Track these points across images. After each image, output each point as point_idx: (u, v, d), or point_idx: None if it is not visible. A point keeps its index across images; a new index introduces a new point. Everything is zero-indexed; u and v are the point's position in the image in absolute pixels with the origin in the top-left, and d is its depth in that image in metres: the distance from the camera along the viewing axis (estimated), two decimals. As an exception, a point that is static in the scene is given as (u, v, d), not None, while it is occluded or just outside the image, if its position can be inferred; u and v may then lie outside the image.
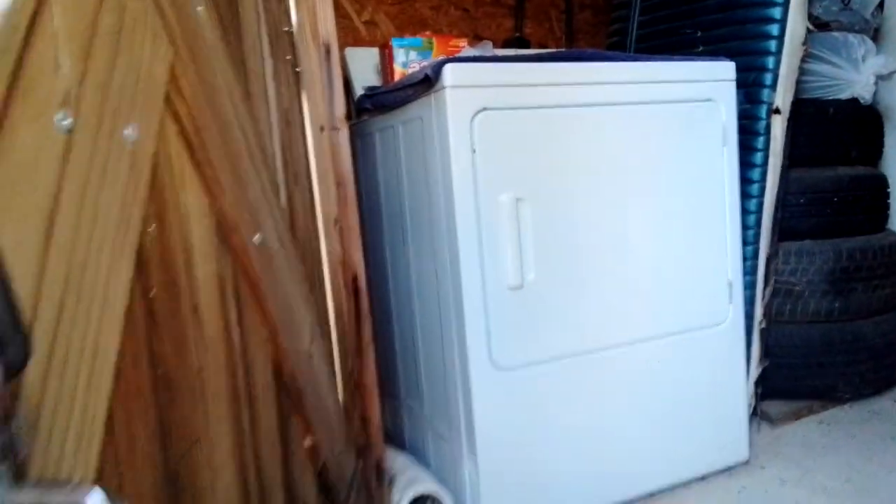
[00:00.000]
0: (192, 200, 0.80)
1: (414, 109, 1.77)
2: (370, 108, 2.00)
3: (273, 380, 1.07)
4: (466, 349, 1.68)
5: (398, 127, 1.88)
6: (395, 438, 2.19)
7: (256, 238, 0.95)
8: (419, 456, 2.06)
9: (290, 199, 1.18)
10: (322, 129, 1.41)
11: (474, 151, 1.63)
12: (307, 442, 1.22)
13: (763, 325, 2.25)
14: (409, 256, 1.94)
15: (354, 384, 1.53)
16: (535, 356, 1.74)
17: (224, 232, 0.88)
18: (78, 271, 0.52)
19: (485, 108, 1.62)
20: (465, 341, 1.68)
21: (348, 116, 1.56)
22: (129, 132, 0.60)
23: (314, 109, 1.37)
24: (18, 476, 0.42)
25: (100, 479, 0.55)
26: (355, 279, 1.51)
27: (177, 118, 0.74)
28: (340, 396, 1.44)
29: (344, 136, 1.50)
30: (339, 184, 1.47)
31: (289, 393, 1.12)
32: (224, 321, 0.89)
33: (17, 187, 0.45)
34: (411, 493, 1.73)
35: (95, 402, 0.54)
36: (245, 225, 0.93)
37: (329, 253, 1.41)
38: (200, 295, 0.81)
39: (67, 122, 0.51)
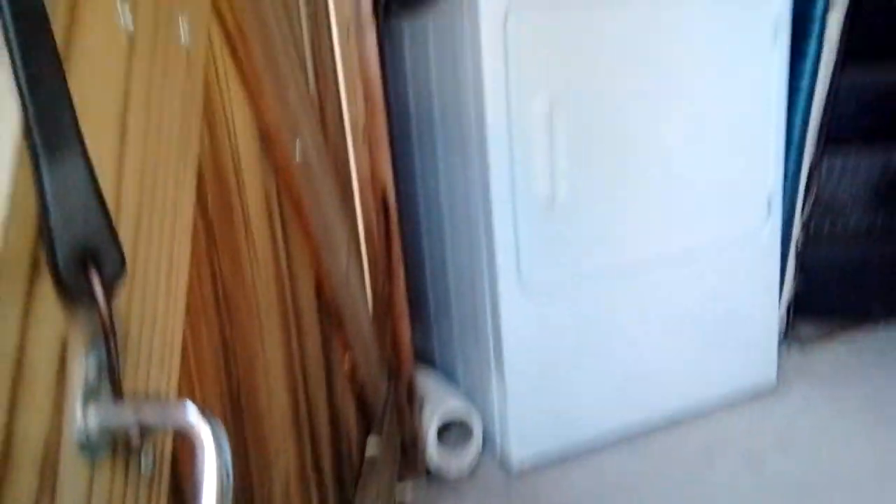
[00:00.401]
0: (237, 109, 0.74)
1: (445, 8, 1.62)
2: (398, 6, 1.85)
3: (315, 300, 1.04)
4: (496, 267, 1.62)
5: (428, 27, 1.74)
6: (425, 358, 2.18)
7: (298, 151, 0.90)
8: (448, 376, 2.05)
9: (321, 107, 1.08)
10: (348, 29, 1.28)
11: (506, 52, 1.50)
12: (346, 363, 1.19)
13: (800, 241, 2.16)
14: (439, 167, 1.84)
15: (385, 305, 1.49)
16: (564, 274, 1.69)
17: (267, 145, 0.83)
18: (150, 182, 0.49)
19: (518, 6, 1.48)
20: (494, 259, 1.62)
21: (375, 15, 1.41)
22: (183, 31, 0.55)
23: (340, 7, 1.23)
24: (116, 393, 0.42)
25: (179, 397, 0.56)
26: (385, 195, 1.43)
27: (220, 15, 0.68)
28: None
29: (371, 37, 1.37)
30: (367, 89, 1.36)
31: (329, 313, 1.09)
32: (272, 239, 0.86)
33: (91, 91, 0.42)
34: (440, 417, 1.73)
35: (174, 319, 0.53)
36: (286, 136, 0.88)
37: (358, 166, 1.32)
38: (250, 211, 0.78)
39: (128, 19, 0.47)
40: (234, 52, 0.71)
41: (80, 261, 0.38)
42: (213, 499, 0.39)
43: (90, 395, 0.41)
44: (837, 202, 2.21)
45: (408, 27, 1.86)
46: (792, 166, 2.09)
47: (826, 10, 1.97)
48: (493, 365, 1.72)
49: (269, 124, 0.81)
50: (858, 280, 2.25)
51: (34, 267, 0.36)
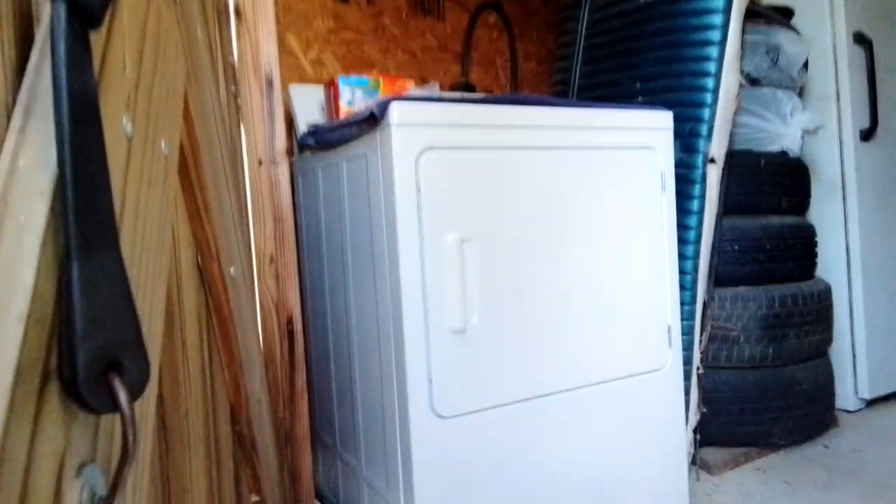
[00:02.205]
0: (181, 225, 0.73)
1: (358, 147, 1.73)
2: (313, 144, 1.95)
3: (231, 427, 0.98)
4: (406, 395, 1.60)
5: (342, 164, 1.83)
6: (327, 495, 2.07)
7: (232, 269, 0.89)
8: (354, 511, 1.94)
9: (240, 233, 1.11)
10: (260, 162, 1.35)
11: (419, 190, 1.59)
12: (253, 499, 1.12)
13: (701, 371, 2.27)
14: (350, 297, 1.87)
15: (285, 435, 1.44)
16: (477, 404, 1.68)
17: (203, 262, 0.83)
18: (137, 291, 0.46)
19: (430, 147, 1.60)
20: (405, 387, 1.60)
21: (290, 152, 1.50)
22: (163, 147, 0.56)
23: (252, 142, 1.31)
24: None
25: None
26: (290, 321, 1.43)
27: (181, 137, 0.70)
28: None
29: (283, 170, 1.44)
30: (277, 219, 1.41)
31: (242, 442, 1.04)
32: (201, 360, 0.82)
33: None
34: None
35: (145, 443, 0.51)
36: (223, 255, 0.86)
37: (262, 292, 1.33)
38: (187, 330, 0.74)
39: (129, 126, 0.47)
40: (184, 169, 0.73)
41: (103, 368, 0.34)
42: None
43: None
44: (731, 334, 2.36)
45: (321, 164, 1.95)
46: (688, 302, 2.25)
47: (705, 165, 2.23)
48: (402, 499, 1.66)
49: (207, 240, 0.82)
50: (757, 406, 2.35)
51: (45, 374, 0.32)
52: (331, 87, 2.12)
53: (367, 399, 1.83)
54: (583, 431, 1.84)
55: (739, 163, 2.35)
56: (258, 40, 1.36)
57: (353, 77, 2.10)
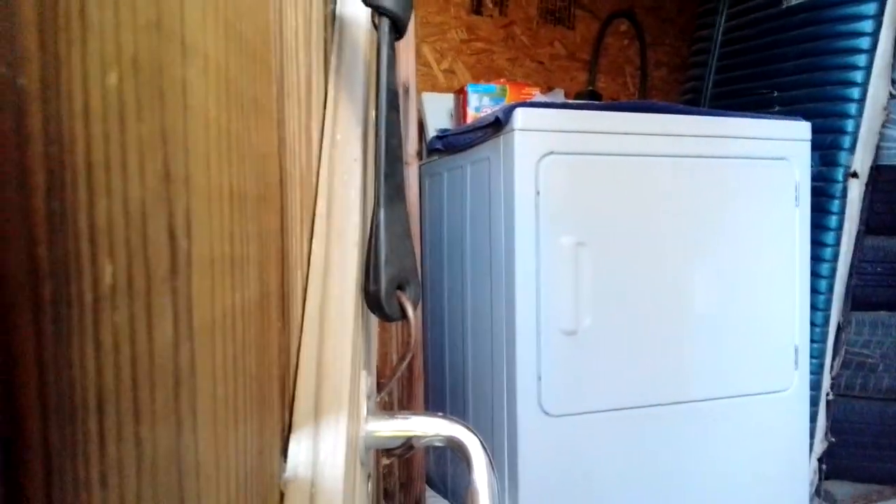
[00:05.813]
0: None
1: (483, 150, 1.81)
2: (441, 148, 2.07)
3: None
4: (516, 392, 1.66)
5: (466, 167, 1.93)
6: (436, 480, 2.17)
7: None
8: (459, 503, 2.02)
9: None
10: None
11: (538, 193, 1.65)
12: (384, 460, 1.24)
13: (830, 397, 2.14)
14: (467, 294, 1.96)
15: (402, 414, 1.55)
16: (585, 405, 1.71)
17: None
18: None
19: (552, 152, 1.65)
20: (514, 384, 1.66)
21: (420, 156, 1.61)
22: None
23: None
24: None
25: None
26: (412, 310, 1.54)
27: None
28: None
29: (413, 172, 1.55)
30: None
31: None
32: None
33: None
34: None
35: None
36: None
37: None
38: None
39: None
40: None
41: (395, 287, 0.48)
42: (488, 499, 0.48)
43: (369, 406, 0.49)
44: (868, 361, 2.20)
45: (447, 167, 2.06)
46: (820, 324, 2.13)
47: (846, 179, 2.10)
48: (507, 490, 1.72)
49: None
50: (893, 443, 2.17)
51: (359, 289, 0.46)
52: (460, 94, 2.23)
53: (477, 391, 1.91)
54: (696, 445, 1.81)
55: (886, 179, 2.19)
56: (398, 50, 1.48)
57: (482, 84, 2.20)
